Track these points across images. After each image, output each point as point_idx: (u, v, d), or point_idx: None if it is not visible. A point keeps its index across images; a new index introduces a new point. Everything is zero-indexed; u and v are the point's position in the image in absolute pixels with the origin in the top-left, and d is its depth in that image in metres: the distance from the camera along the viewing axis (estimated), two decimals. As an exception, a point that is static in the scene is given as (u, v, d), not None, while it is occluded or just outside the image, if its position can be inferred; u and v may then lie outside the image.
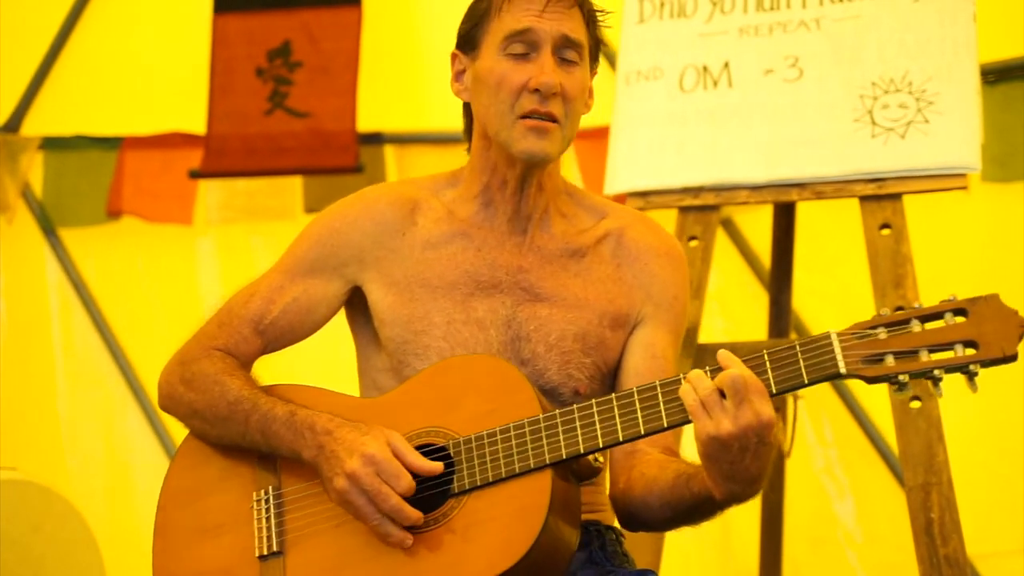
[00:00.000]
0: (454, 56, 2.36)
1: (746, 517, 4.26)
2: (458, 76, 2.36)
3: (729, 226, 4.78)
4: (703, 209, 3.38)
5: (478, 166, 2.36)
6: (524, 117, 2.24)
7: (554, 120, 2.25)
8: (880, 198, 3.22)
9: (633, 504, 2.22)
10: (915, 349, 1.94)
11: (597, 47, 2.35)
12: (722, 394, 1.97)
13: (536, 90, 2.23)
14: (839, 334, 1.97)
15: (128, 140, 5.16)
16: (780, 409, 3.87)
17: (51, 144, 5.22)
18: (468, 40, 2.32)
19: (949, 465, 3.04)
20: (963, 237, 4.32)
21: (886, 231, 3.19)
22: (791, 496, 4.01)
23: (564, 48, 2.26)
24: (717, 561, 4.75)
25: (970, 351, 1.92)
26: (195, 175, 5.00)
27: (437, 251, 2.33)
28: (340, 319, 2.44)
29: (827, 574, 4.68)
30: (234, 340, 2.34)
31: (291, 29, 4.93)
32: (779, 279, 3.78)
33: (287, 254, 2.40)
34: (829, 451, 4.69)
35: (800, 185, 3.31)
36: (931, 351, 1.93)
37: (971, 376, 1.92)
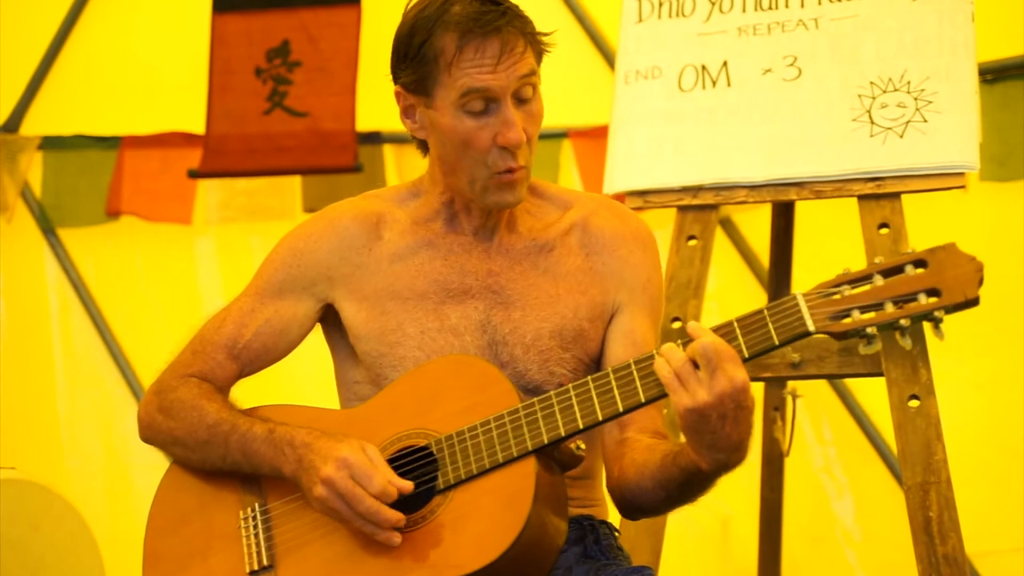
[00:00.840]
0: (398, 93, 2.32)
1: (745, 516, 4.27)
2: (407, 113, 2.33)
3: (728, 225, 4.78)
4: (702, 208, 3.38)
5: (440, 185, 2.36)
6: (498, 173, 2.23)
7: (524, 166, 2.25)
8: (879, 197, 3.22)
9: (629, 491, 2.22)
10: (880, 302, 1.98)
11: (541, 55, 2.30)
12: (696, 365, 1.99)
13: (504, 147, 2.22)
14: (804, 295, 2.01)
15: (127, 140, 5.16)
16: (779, 408, 3.87)
17: (50, 144, 5.23)
18: (417, 86, 2.27)
19: (948, 464, 3.04)
20: (962, 236, 4.25)
21: (884, 230, 3.19)
22: (790, 495, 4.01)
23: (521, 88, 2.23)
24: (716, 560, 4.75)
25: (933, 299, 1.97)
26: (194, 175, 5.00)
27: (405, 263, 2.34)
28: (318, 336, 2.45)
29: (826, 573, 4.68)
30: (209, 366, 2.36)
31: (290, 29, 4.93)
32: (778, 278, 3.78)
33: (256, 277, 2.41)
34: (828, 450, 4.69)
35: (799, 184, 3.31)
36: (895, 302, 1.98)
37: (936, 323, 1.97)
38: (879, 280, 1.99)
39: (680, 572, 4.53)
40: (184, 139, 5.09)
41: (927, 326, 2.00)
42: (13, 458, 4.39)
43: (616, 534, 2.37)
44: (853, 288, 2.00)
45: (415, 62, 2.24)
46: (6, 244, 5.22)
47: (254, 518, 2.23)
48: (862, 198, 3.24)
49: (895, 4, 3.30)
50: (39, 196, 5.25)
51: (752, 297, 4.67)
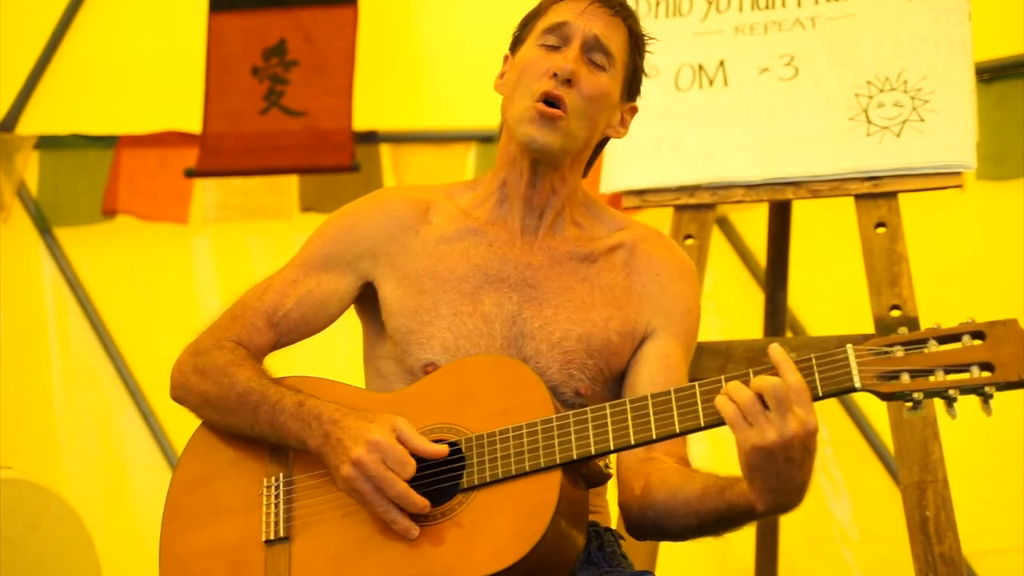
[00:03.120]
0: (505, 58, 2.45)
1: (742, 515, 4.26)
2: (502, 74, 2.44)
3: (725, 225, 4.78)
4: (699, 208, 3.38)
5: (500, 162, 2.42)
6: (539, 101, 2.30)
7: (562, 107, 2.30)
8: (875, 196, 3.22)
9: (653, 510, 2.21)
10: (931, 368, 1.93)
11: (636, 75, 2.42)
12: (763, 403, 1.94)
13: (555, 74, 2.30)
14: (855, 348, 1.96)
15: (124, 139, 5.15)
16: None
17: (47, 143, 5.22)
18: (517, 41, 2.42)
19: (944, 463, 3.04)
20: (958, 235, 4.32)
21: (881, 229, 3.19)
22: (787, 494, 4.00)
23: (593, 50, 2.34)
24: (713, 560, 4.75)
25: (986, 374, 1.92)
26: (191, 174, 5.00)
27: (450, 246, 2.37)
28: (347, 313, 2.46)
29: (823, 572, 4.68)
30: (247, 332, 2.38)
31: (287, 28, 4.93)
32: (775, 278, 3.78)
33: (302, 250, 2.45)
34: (825, 449, 4.69)
35: (796, 184, 3.32)
36: (947, 371, 1.93)
37: (986, 398, 1.92)
38: (934, 346, 1.94)
39: (677, 572, 4.52)
40: (181, 138, 5.09)
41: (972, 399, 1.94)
42: (10, 458, 4.39)
43: (620, 541, 2.37)
44: (906, 350, 1.95)
45: (525, 17, 2.42)
46: (2, 243, 5.21)
47: (276, 488, 2.23)
48: (859, 197, 3.24)
49: (892, 3, 3.31)
50: (35, 195, 5.25)
51: (749, 297, 4.67)
